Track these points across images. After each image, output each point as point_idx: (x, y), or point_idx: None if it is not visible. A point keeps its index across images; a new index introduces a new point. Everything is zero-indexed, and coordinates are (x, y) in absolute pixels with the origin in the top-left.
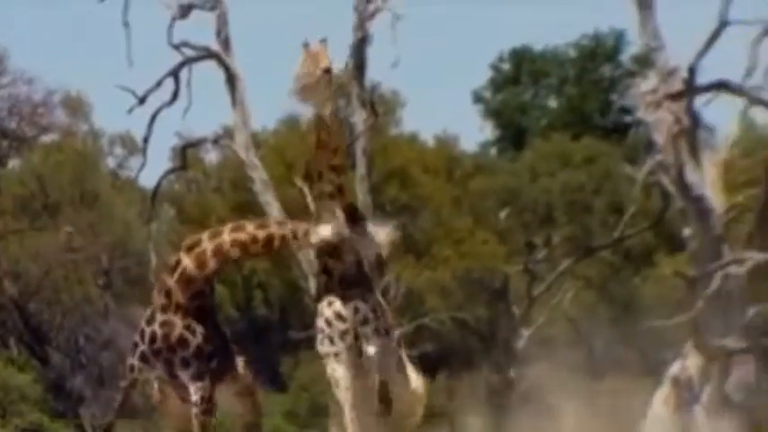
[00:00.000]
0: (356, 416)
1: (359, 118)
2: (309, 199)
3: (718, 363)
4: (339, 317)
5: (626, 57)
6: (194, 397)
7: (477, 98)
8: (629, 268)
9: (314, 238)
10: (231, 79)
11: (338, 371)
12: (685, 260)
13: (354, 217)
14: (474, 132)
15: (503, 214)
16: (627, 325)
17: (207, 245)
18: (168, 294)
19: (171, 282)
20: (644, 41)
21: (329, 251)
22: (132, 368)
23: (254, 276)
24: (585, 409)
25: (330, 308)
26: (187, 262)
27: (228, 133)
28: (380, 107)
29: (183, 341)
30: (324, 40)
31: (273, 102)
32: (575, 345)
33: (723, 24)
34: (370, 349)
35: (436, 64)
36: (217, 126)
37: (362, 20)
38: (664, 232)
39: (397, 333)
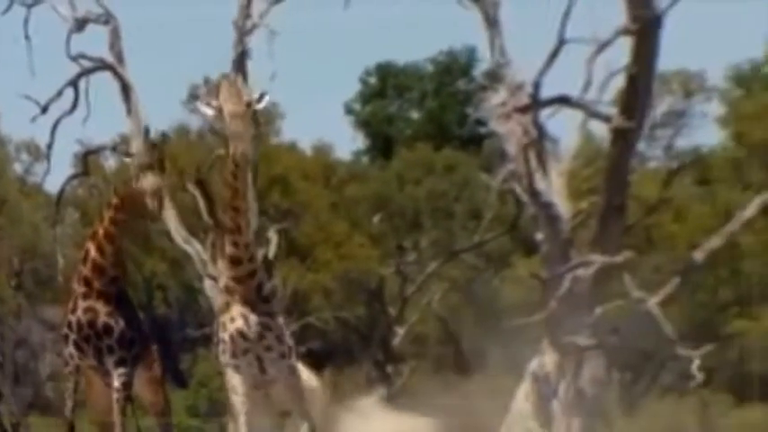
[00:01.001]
0: (248, 420)
1: None
2: (201, 204)
3: (571, 359)
4: (242, 335)
5: (478, 72)
6: (116, 383)
7: (348, 110)
8: (489, 270)
9: (142, 183)
10: (125, 89)
11: (235, 379)
12: (539, 262)
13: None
14: (347, 142)
15: (376, 219)
16: (490, 323)
17: (99, 230)
18: (87, 282)
19: (86, 271)
20: (493, 58)
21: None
22: (72, 356)
23: (153, 278)
24: (455, 404)
25: (233, 324)
26: (93, 252)
27: (126, 141)
28: (262, 117)
29: (107, 328)
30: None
31: (165, 111)
32: (444, 342)
33: (561, 43)
34: (274, 372)
35: (311, 77)
36: (115, 134)
37: (242, 35)
38: (519, 236)
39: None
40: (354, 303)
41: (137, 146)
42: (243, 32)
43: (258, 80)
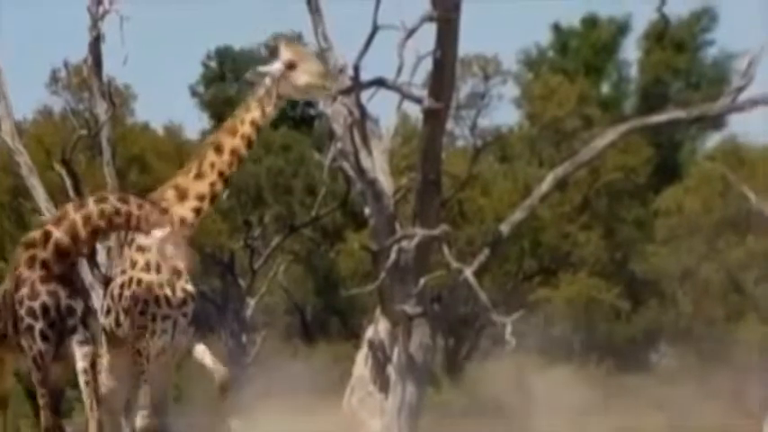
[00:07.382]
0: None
1: (101, 109)
2: (68, 183)
3: (402, 327)
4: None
5: None
6: (81, 364)
7: (193, 92)
8: (325, 243)
9: None
10: None
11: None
12: (369, 236)
13: None
14: (195, 122)
15: (224, 195)
16: (329, 294)
17: (75, 216)
18: (45, 266)
19: (45, 254)
20: (317, 42)
21: None
22: (41, 355)
23: None
24: (303, 370)
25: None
26: (59, 235)
27: None
28: (117, 99)
29: (70, 310)
30: None
31: (29, 94)
32: (291, 312)
33: (375, 29)
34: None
35: (160, 62)
36: None
37: (95, 20)
38: (350, 211)
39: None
40: (210, 276)
41: (6, 127)
42: (96, 18)
43: (112, 64)
